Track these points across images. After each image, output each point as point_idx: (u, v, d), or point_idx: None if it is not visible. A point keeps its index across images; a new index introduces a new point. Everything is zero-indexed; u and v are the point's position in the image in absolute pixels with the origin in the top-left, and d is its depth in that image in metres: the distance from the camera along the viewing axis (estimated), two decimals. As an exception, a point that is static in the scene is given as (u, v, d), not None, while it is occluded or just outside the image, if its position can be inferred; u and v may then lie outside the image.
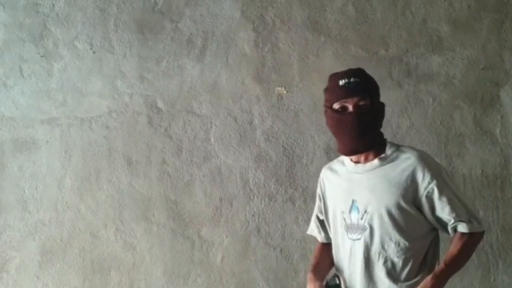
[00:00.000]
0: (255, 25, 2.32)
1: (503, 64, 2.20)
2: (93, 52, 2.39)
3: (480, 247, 2.11)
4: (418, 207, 1.40)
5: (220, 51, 2.33)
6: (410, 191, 1.38)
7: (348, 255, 1.46)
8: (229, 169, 2.25)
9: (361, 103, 1.41)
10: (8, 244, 2.31)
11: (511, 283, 2.11)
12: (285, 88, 2.28)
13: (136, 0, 2.38)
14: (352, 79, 1.42)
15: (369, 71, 2.16)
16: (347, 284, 1.46)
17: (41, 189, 2.33)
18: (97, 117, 2.35)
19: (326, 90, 1.50)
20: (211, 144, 2.29)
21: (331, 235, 1.57)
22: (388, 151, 1.45)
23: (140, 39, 2.37)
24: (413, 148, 1.50)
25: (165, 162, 2.30)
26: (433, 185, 1.38)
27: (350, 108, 1.41)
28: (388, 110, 2.20)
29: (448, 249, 1.41)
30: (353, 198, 1.45)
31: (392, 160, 1.43)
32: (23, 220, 2.32)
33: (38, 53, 2.40)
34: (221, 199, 2.24)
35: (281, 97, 2.27)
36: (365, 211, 1.42)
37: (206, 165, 2.27)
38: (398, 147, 1.46)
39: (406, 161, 1.41)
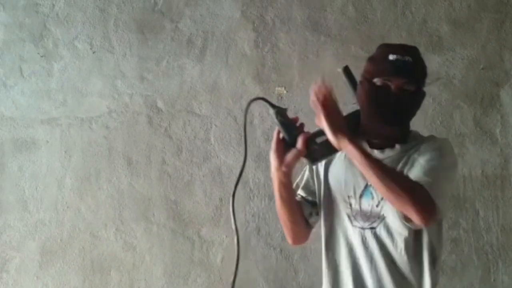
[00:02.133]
0: (255, 25, 2.32)
1: (503, 64, 2.20)
2: (93, 52, 2.39)
3: (480, 247, 2.13)
4: None
5: (220, 51, 2.33)
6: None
7: (362, 245, 1.29)
8: (229, 169, 2.25)
9: (406, 87, 1.26)
10: (8, 244, 2.31)
11: (511, 283, 2.11)
12: (285, 88, 2.28)
13: (136, 0, 2.38)
14: (405, 58, 1.25)
15: (369, 71, 2.13)
16: (357, 276, 1.29)
17: (41, 189, 2.33)
18: (97, 117, 2.35)
19: (371, 60, 1.32)
20: (211, 144, 2.29)
21: (322, 221, 1.39)
22: (413, 141, 1.33)
23: (140, 39, 2.37)
24: (435, 137, 1.37)
25: (165, 162, 2.30)
26: (426, 154, 1.24)
27: (393, 88, 1.25)
28: (388, 110, 2.22)
29: None
30: (367, 182, 1.27)
31: (415, 146, 1.30)
32: (23, 220, 2.32)
33: (38, 53, 2.40)
34: (221, 199, 2.24)
35: (281, 97, 2.27)
36: (382, 198, 1.24)
37: (206, 165, 2.27)
38: (423, 138, 1.34)
39: (430, 145, 1.28)
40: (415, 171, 1.22)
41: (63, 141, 2.35)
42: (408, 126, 1.36)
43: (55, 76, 2.39)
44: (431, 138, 1.37)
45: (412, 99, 1.29)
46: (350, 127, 1.25)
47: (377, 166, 1.15)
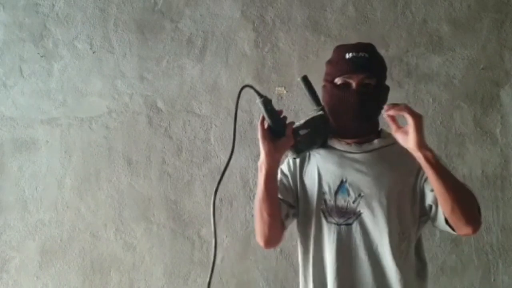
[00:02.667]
0: (255, 25, 2.32)
1: (503, 64, 2.20)
2: (93, 52, 2.39)
3: (480, 247, 2.13)
4: (417, 191, 1.31)
5: (220, 51, 2.33)
6: (410, 175, 1.30)
7: (337, 241, 1.30)
8: (229, 169, 2.22)
9: (366, 81, 1.29)
10: (8, 244, 2.32)
11: (511, 283, 2.11)
12: (285, 88, 2.28)
13: (136, 0, 2.38)
14: (360, 54, 1.29)
15: (369, 71, 2.13)
16: (337, 274, 1.30)
17: (41, 189, 2.33)
18: (97, 117, 2.35)
19: (329, 62, 1.37)
20: (211, 144, 2.28)
21: (299, 218, 1.40)
22: (387, 137, 1.35)
23: (140, 39, 2.37)
24: None
25: (165, 162, 2.30)
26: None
27: (354, 85, 1.29)
28: (388, 110, 2.22)
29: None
30: (342, 178, 1.31)
31: (391, 144, 1.31)
32: (23, 220, 2.32)
33: (38, 53, 2.40)
34: (221, 199, 2.24)
35: (281, 97, 2.27)
36: (359, 195, 1.29)
37: (206, 165, 2.27)
38: (390, 134, 1.35)
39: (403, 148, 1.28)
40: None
41: (63, 141, 2.35)
42: (377, 120, 1.38)
43: (55, 76, 2.39)
44: None
45: (377, 94, 1.32)
46: (320, 129, 1.31)
47: (451, 177, 1.20)
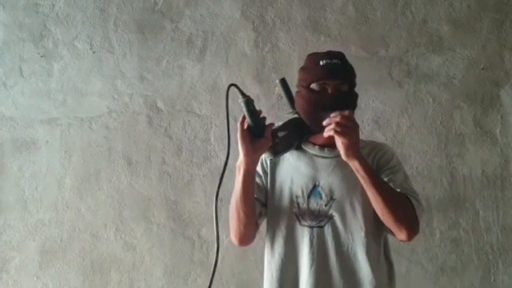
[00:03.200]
0: (255, 25, 2.32)
1: (503, 64, 2.20)
2: (93, 52, 2.39)
3: (480, 247, 2.13)
4: None
5: (220, 51, 2.33)
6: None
7: (309, 244, 1.33)
8: (229, 169, 2.23)
9: (341, 87, 1.34)
10: (8, 244, 2.31)
11: (511, 283, 2.11)
12: (285, 88, 2.27)
13: (136, 0, 2.38)
14: (334, 61, 1.35)
15: (369, 71, 2.16)
16: (310, 276, 1.32)
17: (41, 189, 2.33)
18: (97, 117, 2.35)
19: (303, 69, 1.41)
20: (211, 144, 2.28)
21: (267, 221, 1.42)
22: None
23: (140, 39, 2.37)
24: (374, 141, 1.50)
25: (165, 162, 2.30)
26: (390, 161, 1.37)
27: (330, 90, 1.33)
28: (388, 110, 2.22)
29: None
30: (315, 182, 1.36)
31: (361, 147, 1.34)
32: (23, 220, 2.32)
33: (38, 53, 2.40)
34: (221, 199, 2.20)
35: (281, 97, 2.26)
36: (331, 198, 1.34)
37: (206, 165, 2.27)
38: (361, 140, 1.41)
39: (371, 150, 1.40)
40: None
41: (63, 141, 2.35)
42: None
43: (55, 76, 2.39)
44: (376, 143, 1.46)
45: (350, 99, 1.37)
46: (297, 131, 1.36)
47: (381, 186, 1.27)
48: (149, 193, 2.29)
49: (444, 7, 2.24)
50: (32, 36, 2.42)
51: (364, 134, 2.21)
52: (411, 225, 1.29)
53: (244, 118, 1.27)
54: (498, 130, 2.18)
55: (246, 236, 1.38)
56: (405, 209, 1.29)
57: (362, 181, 1.27)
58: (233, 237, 1.39)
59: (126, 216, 2.29)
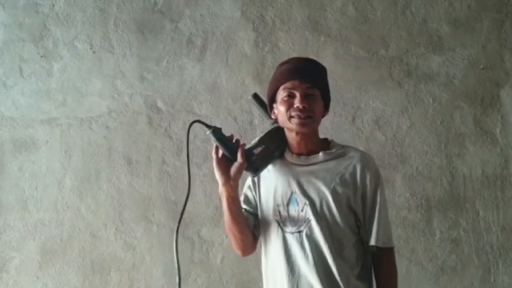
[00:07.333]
0: (255, 25, 2.32)
1: (503, 64, 2.20)
2: (93, 52, 2.39)
3: (480, 247, 2.13)
4: (353, 204, 1.38)
5: (220, 51, 2.33)
6: (350, 188, 1.37)
7: (292, 249, 1.37)
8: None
9: (309, 92, 1.36)
10: (8, 244, 2.31)
11: (511, 283, 2.11)
12: (285, 88, 2.27)
13: (136, 0, 2.38)
14: (299, 64, 1.39)
15: (369, 71, 2.16)
16: (290, 281, 1.37)
17: (41, 189, 2.33)
18: (97, 117, 2.35)
19: (271, 81, 1.44)
20: (211, 144, 2.28)
21: (261, 230, 1.47)
22: (334, 148, 1.42)
23: (140, 39, 2.37)
24: (357, 149, 1.48)
25: (165, 162, 2.30)
26: (371, 187, 1.38)
27: (298, 94, 1.35)
28: (388, 110, 2.22)
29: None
30: (292, 190, 1.40)
31: (338, 157, 1.40)
32: (23, 220, 2.32)
33: (38, 53, 2.40)
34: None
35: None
36: (305, 203, 1.37)
37: (206, 165, 2.27)
38: (343, 146, 1.44)
39: (351, 159, 1.39)
40: (367, 221, 1.39)
41: (63, 141, 2.35)
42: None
43: (55, 76, 2.39)
44: (353, 149, 1.46)
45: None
46: (276, 141, 1.42)
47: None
48: (149, 193, 2.29)
49: (444, 7, 2.25)
50: (32, 36, 2.42)
51: (364, 134, 2.22)
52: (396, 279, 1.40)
53: (217, 148, 1.34)
54: (498, 130, 2.18)
55: (246, 248, 1.46)
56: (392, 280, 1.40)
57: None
58: (236, 250, 1.47)
59: (126, 216, 2.29)
